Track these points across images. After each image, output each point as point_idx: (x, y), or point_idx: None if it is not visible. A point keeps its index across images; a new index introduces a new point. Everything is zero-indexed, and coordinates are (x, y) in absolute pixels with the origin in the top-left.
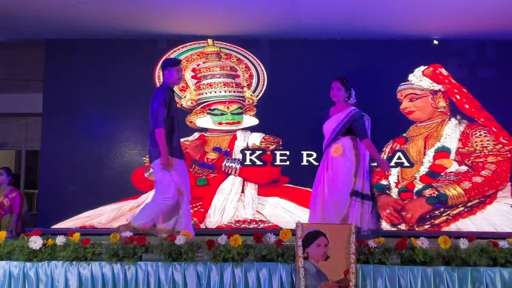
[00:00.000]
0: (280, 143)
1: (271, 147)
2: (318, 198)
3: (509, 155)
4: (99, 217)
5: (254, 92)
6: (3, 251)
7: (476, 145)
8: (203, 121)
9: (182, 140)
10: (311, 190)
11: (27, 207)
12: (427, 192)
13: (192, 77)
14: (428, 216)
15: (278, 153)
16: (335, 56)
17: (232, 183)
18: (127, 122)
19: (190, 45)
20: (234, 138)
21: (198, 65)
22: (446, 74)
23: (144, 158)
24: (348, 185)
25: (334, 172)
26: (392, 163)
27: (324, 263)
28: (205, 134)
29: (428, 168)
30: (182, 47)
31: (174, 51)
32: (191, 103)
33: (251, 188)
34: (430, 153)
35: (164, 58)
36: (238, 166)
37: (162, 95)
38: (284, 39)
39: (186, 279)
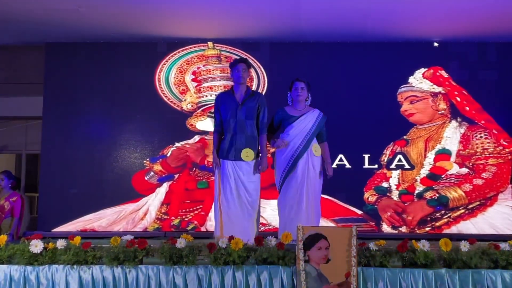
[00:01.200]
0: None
1: (272, 150)
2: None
3: (509, 157)
4: (99, 220)
5: None
6: (4, 255)
7: (477, 147)
8: (204, 124)
9: (182, 143)
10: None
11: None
12: (428, 195)
13: (193, 80)
14: (429, 218)
15: None
16: (336, 59)
17: None
18: (128, 125)
19: (190, 48)
20: None
21: (198, 68)
22: (446, 76)
23: (145, 162)
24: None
25: (316, 171)
26: (393, 166)
27: (325, 266)
28: (206, 137)
29: (428, 170)
30: (182, 50)
31: (175, 54)
32: (192, 106)
33: None
34: (431, 155)
35: (164, 60)
36: None
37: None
38: (284, 42)
39: (187, 283)
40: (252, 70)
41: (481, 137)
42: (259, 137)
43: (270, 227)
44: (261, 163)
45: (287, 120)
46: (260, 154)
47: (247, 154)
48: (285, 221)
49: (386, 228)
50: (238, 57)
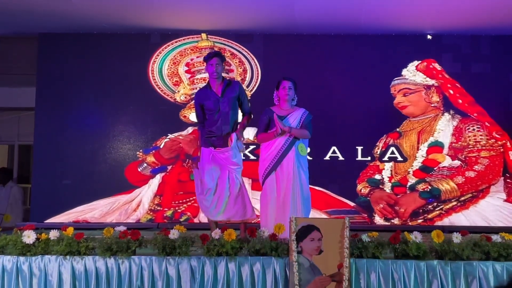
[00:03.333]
0: None
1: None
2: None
3: (502, 149)
4: (92, 211)
5: (248, 86)
6: None
7: (469, 140)
8: None
9: (175, 134)
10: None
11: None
12: (420, 187)
13: (186, 71)
14: (421, 210)
15: None
16: (329, 51)
17: None
18: (121, 116)
19: (183, 39)
20: None
21: (191, 59)
22: (439, 69)
23: (138, 153)
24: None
25: (302, 170)
26: (386, 158)
27: (318, 257)
28: None
29: (421, 162)
30: (175, 42)
31: (168, 46)
32: (185, 97)
33: (245, 183)
34: (424, 147)
35: (158, 52)
36: None
37: None
38: (278, 33)
39: (180, 273)
40: (245, 61)
41: (473, 129)
42: (242, 118)
43: None
44: (234, 139)
45: (274, 120)
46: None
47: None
48: (266, 220)
49: (378, 220)
50: (212, 51)
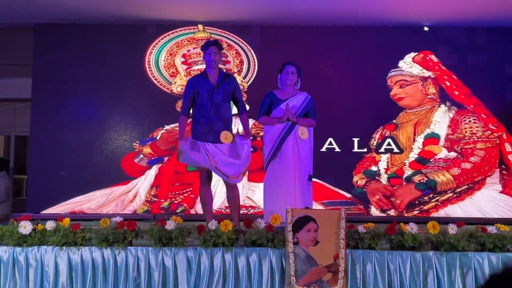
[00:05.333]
0: None
1: (261, 133)
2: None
3: (498, 141)
4: (89, 202)
5: (244, 78)
6: None
7: (465, 132)
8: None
9: (172, 126)
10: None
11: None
12: (417, 178)
13: (183, 62)
14: (417, 202)
15: None
16: (326, 43)
17: None
18: (117, 107)
19: (180, 30)
20: None
21: (188, 50)
22: (436, 60)
23: (134, 144)
24: (311, 168)
25: (302, 154)
26: (382, 149)
27: (314, 248)
28: None
29: (417, 154)
30: (172, 33)
31: (165, 37)
32: (181, 88)
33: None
34: (420, 139)
35: (154, 43)
36: None
37: None
38: (274, 25)
39: (176, 264)
40: (241, 53)
41: (469, 121)
42: (240, 116)
43: (260, 209)
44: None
45: (275, 103)
46: (245, 133)
47: (226, 136)
48: (270, 204)
49: (374, 211)
50: (210, 40)
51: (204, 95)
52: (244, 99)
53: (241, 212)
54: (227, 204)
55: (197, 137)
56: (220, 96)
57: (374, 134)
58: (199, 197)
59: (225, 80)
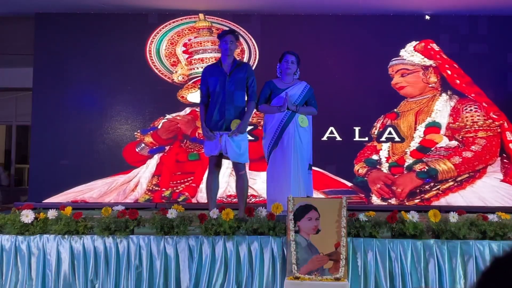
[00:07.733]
0: None
1: (262, 122)
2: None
3: (499, 130)
4: (90, 191)
5: None
6: None
7: (467, 120)
8: (195, 96)
9: (173, 115)
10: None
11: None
12: (418, 167)
13: (184, 52)
14: (418, 190)
15: None
16: (327, 31)
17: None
18: (119, 97)
19: (181, 19)
20: None
21: (189, 40)
22: (437, 49)
23: (136, 133)
24: (311, 156)
25: (304, 142)
26: (383, 138)
27: (315, 237)
28: (197, 109)
29: (418, 143)
30: (173, 22)
31: (166, 26)
32: (183, 78)
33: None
34: (421, 128)
35: (155, 32)
36: None
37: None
38: (275, 14)
39: (178, 252)
40: (242, 42)
41: (471, 110)
42: (248, 103)
43: (261, 198)
44: (240, 125)
45: (274, 92)
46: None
47: (236, 125)
48: (273, 193)
49: (375, 200)
50: (227, 29)
51: (217, 83)
52: None
53: None
54: (228, 193)
55: (210, 125)
56: (233, 84)
57: (375, 123)
58: (205, 184)
59: (238, 67)
